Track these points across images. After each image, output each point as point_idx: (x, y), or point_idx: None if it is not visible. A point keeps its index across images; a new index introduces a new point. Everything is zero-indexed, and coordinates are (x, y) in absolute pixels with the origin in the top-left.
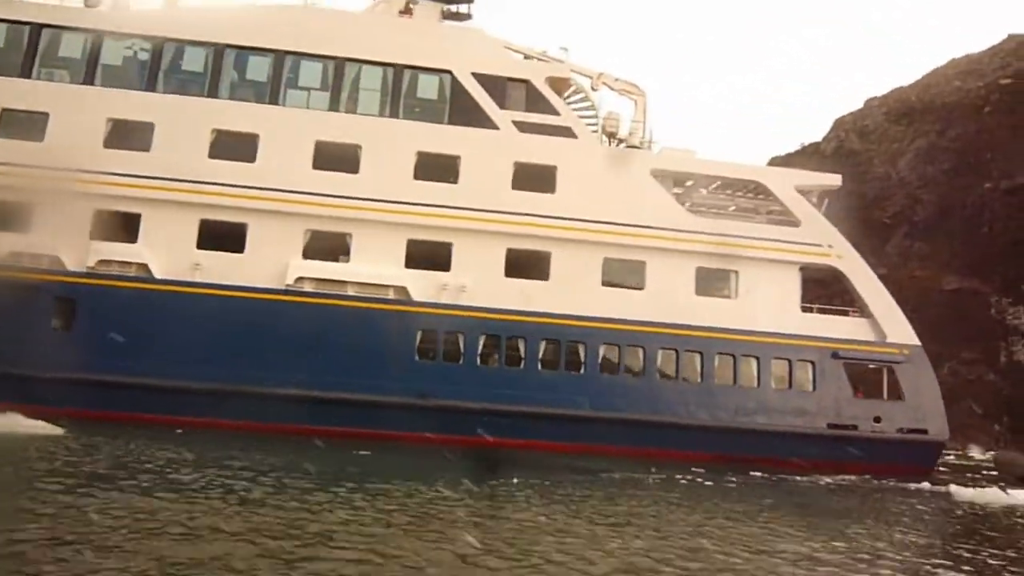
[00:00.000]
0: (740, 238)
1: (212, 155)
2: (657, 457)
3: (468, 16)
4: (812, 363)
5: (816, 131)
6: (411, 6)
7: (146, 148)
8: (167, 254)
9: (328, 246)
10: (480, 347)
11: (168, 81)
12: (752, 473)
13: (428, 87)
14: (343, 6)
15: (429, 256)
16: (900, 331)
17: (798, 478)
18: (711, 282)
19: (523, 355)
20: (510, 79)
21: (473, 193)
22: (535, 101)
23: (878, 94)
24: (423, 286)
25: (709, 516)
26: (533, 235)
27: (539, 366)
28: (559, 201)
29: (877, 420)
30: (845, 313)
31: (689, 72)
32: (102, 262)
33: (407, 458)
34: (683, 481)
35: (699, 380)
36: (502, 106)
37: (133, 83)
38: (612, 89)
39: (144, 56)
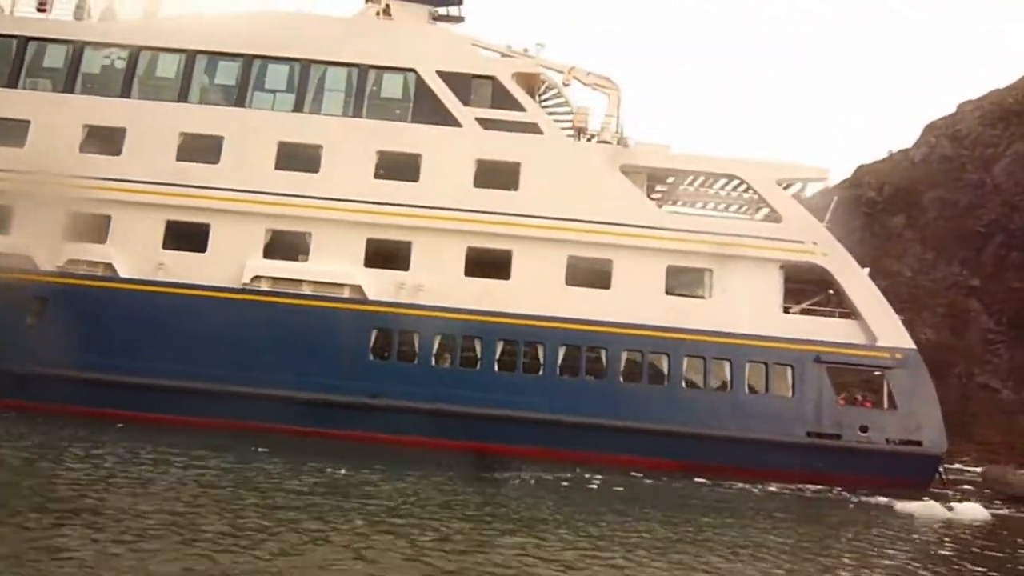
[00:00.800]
0: (715, 235)
1: (179, 158)
2: (620, 463)
3: (460, 19)
4: (791, 367)
5: (906, 138)
6: (388, 6)
7: (118, 152)
8: (133, 254)
9: (288, 245)
10: (435, 347)
11: (143, 88)
12: (697, 480)
13: (392, 86)
14: (332, 10)
15: (388, 255)
16: (892, 334)
17: (738, 485)
18: (683, 281)
19: (479, 356)
20: (475, 76)
21: (434, 191)
22: (501, 98)
23: (972, 97)
24: (380, 285)
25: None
26: (494, 233)
27: (495, 367)
28: (522, 198)
29: (863, 429)
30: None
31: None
32: (71, 262)
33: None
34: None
35: (665, 383)
36: (466, 103)
37: (111, 90)
38: (584, 83)
39: (121, 64)
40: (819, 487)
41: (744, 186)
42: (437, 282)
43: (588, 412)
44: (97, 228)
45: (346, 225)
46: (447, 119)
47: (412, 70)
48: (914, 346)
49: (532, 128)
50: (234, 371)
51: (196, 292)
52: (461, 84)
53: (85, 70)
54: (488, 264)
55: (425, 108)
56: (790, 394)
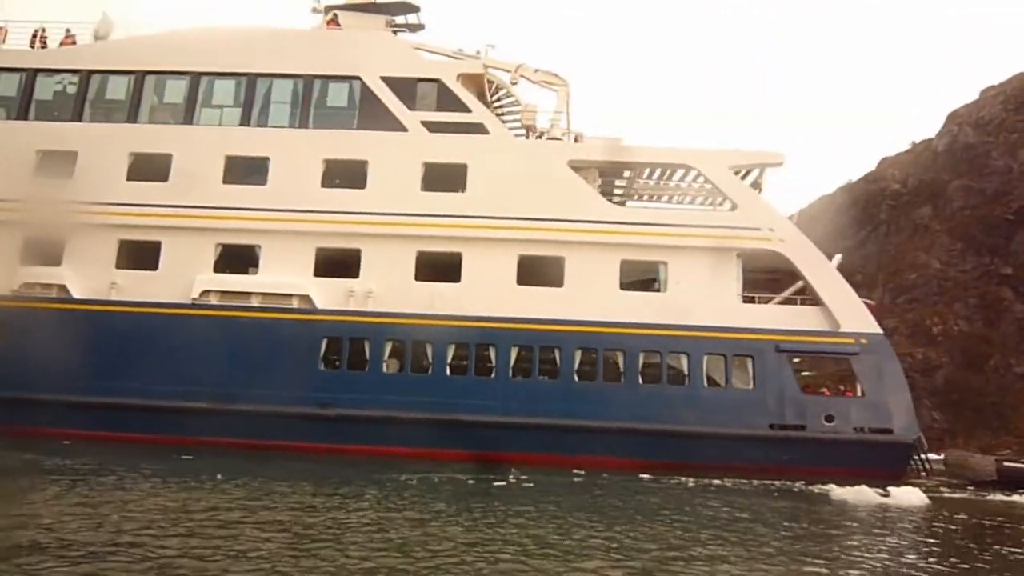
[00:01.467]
0: (668, 226)
1: (130, 177)
2: (578, 464)
3: (419, 27)
4: (751, 357)
5: (928, 128)
6: (335, 15)
7: (69, 176)
8: (87, 275)
9: (238, 259)
10: (386, 354)
11: (94, 110)
12: (643, 476)
13: (338, 95)
14: (285, 23)
15: (338, 263)
16: (856, 319)
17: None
18: (638, 275)
19: (430, 360)
20: (420, 79)
21: (381, 197)
22: (446, 100)
23: (995, 83)
24: (329, 294)
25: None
26: (443, 236)
27: (447, 371)
28: (470, 199)
29: (829, 419)
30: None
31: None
32: (25, 285)
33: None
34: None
35: (621, 380)
36: (412, 107)
37: (63, 115)
38: (532, 81)
39: (72, 89)
40: (769, 480)
41: (699, 176)
42: (387, 288)
43: (543, 413)
44: (51, 251)
45: (295, 235)
46: (393, 124)
47: (357, 77)
48: (880, 331)
49: (478, 129)
50: (183, 386)
51: (144, 309)
52: (406, 89)
53: (39, 96)
54: (438, 267)
55: (371, 114)
56: (751, 385)
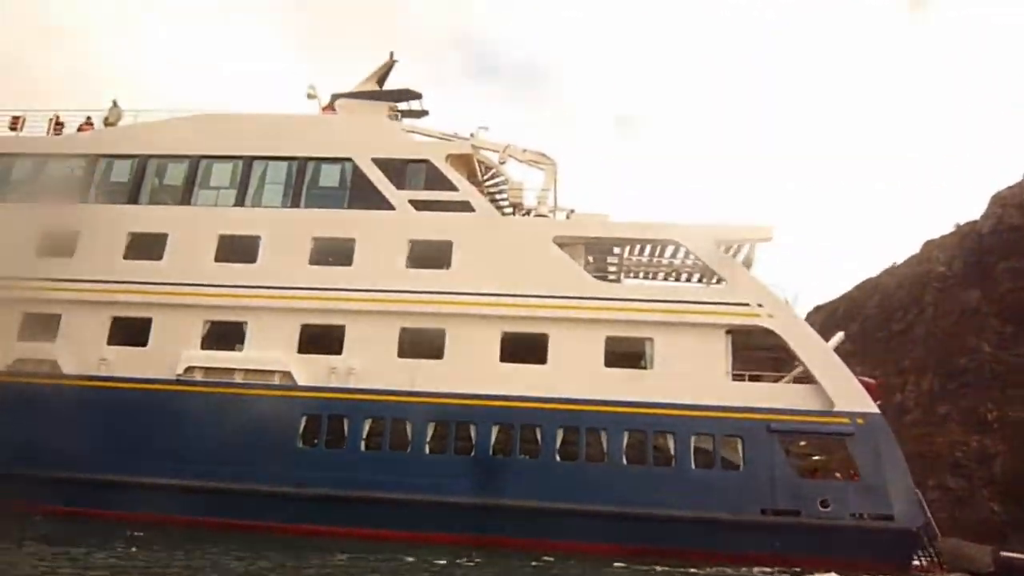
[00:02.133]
0: (655, 302)
1: (127, 256)
2: (557, 549)
3: (423, 112)
4: (741, 438)
5: (971, 210)
6: (332, 99)
7: (70, 254)
8: (78, 351)
9: (225, 335)
10: (365, 431)
11: (99, 193)
12: (617, 564)
13: (330, 176)
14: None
15: (322, 340)
16: (851, 398)
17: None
18: (624, 352)
19: (409, 438)
20: (410, 160)
21: (367, 274)
22: (434, 179)
23: None
24: (311, 370)
25: None
26: (426, 312)
27: (426, 450)
28: (455, 276)
29: (824, 504)
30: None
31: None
32: (18, 361)
33: None
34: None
35: (604, 460)
36: (400, 187)
37: (70, 198)
38: (520, 161)
39: (79, 173)
40: (760, 568)
41: (686, 252)
42: (370, 364)
43: (522, 495)
44: (47, 328)
45: (281, 312)
46: (381, 203)
47: (349, 159)
48: (877, 410)
49: (464, 207)
50: (163, 463)
51: (127, 385)
52: (395, 169)
53: (47, 180)
54: (422, 343)
55: (361, 194)
56: (741, 467)
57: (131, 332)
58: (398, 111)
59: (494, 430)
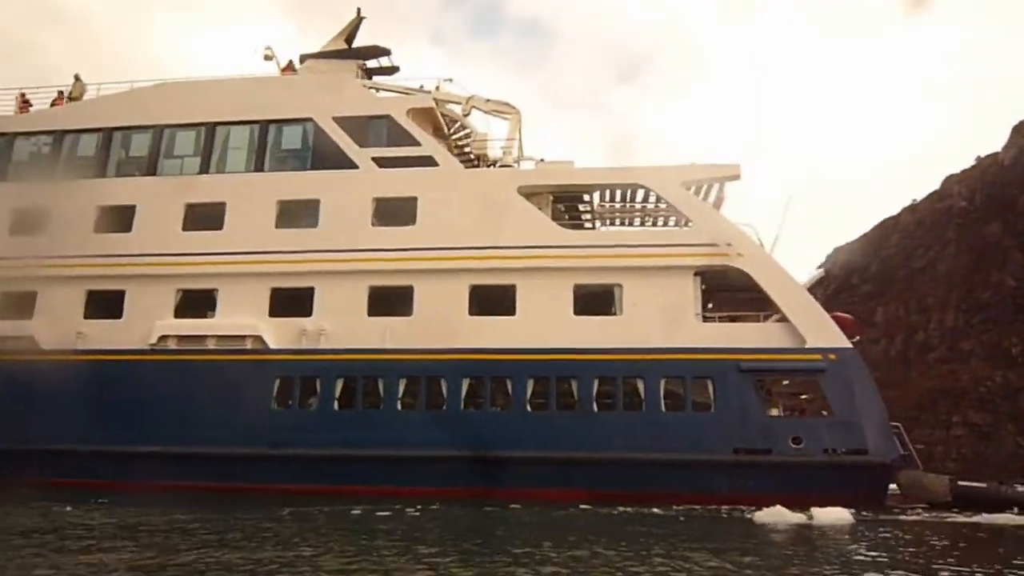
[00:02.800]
0: (620, 247)
1: (97, 229)
2: (533, 497)
3: (395, 69)
4: (711, 379)
5: (992, 142)
6: (291, 60)
7: (43, 231)
8: (54, 326)
9: (197, 303)
10: (337, 391)
11: (67, 168)
12: (583, 506)
13: (292, 137)
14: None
15: (292, 302)
16: (823, 334)
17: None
18: (593, 299)
19: (381, 396)
20: (371, 117)
21: (333, 234)
22: (396, 135)
23: None
24: (281, 333)
25: None
26: (393, 270)
27: (398, 406)
28: (420, 231)
29: (797, 441)
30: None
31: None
32: None
33: None
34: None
35: (575, 408)
36: (363, 145)
37: (39, 175)
38: (483, 111)
39: (47, 150)
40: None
41: (657, 196)
42: (339, 325)
43: (495, 446)
44: (24, 304)
45: (250, 277)
46: (344, 162)
47: (310, 119)
48: (850, 345)
49: (427, 161)
50: (141, 431)
51: (101, 357)
52: (357, 127)
53: (16, 158)
54: (391, 301)
55: (324, 154)
56: (712, 408)
57: (105, 305)
58: (367, 69)
59: (464, 383)
